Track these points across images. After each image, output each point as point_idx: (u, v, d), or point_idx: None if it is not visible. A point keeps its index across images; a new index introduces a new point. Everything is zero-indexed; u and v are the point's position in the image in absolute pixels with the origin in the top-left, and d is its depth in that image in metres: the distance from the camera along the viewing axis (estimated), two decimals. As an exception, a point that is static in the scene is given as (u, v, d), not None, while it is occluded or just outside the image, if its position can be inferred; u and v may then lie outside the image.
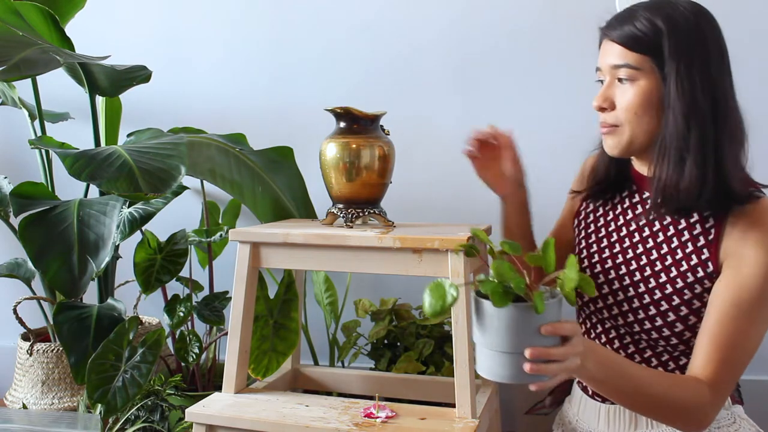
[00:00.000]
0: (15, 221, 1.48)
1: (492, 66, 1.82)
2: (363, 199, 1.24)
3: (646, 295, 1.03)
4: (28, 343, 1.70)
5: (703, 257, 0.98)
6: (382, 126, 1.27)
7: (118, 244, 1.59)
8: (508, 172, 1.18)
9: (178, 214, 1.85)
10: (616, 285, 1.07)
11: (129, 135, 1.51)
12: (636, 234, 1.07)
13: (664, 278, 1.01)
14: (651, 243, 1.04)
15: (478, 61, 1.82)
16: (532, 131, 1.80)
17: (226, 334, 1.28)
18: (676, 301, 1.00)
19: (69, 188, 1.68)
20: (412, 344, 1.56)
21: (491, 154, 1.19)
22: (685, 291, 0.99)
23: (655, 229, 1.04)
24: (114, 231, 1.32)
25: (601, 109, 1.02)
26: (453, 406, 1.11)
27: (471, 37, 1.82)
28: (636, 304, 1.04)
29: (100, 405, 1.31)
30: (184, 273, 1.68)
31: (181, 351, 1.51)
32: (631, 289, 1.05)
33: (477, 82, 1.83)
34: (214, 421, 1.13)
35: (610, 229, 1.12)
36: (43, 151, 1.75)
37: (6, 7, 1.39)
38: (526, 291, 0.79)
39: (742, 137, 0.98)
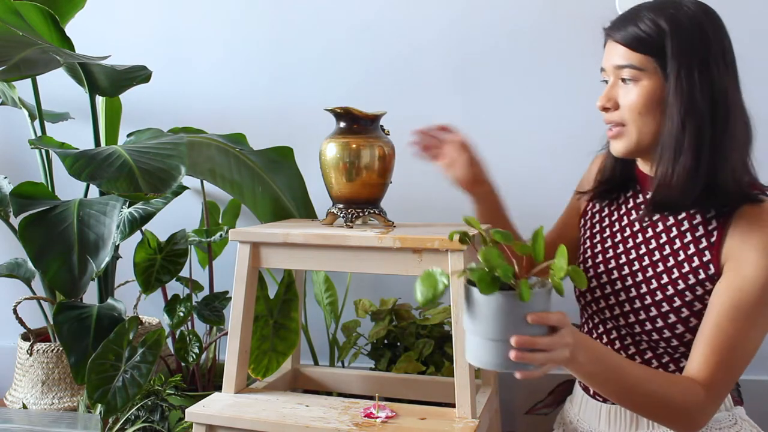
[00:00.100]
0: (15, 221, 1.48)
1: (492, 66, 1.82)
2: (363, 199, 1.24)
3: (647, 296, 1.03)
4: (28, 343, 1.70)
5: (705, 259, 0.98)
6: (382, 126, 1.27)
7: (118, 244, 1.59)
8: (466, 171, 1.23)
9: (178, 214, 1.85)
10: (619, 285, 1.07)
11: (129, 135, 1.51)
12: (639, 234, 1.07)
13: (665, 279, 1.01)
14: (654, 244, 1.04)
15: (478, 61, 1.82)
16: (532, 131, 1.81)
17: (226, 334, 1.28)
18: (678, 302, 1.00)
19: (69, 188, 1.68)
20: (412, 344, 1.56)
21: (454, 153, 1.24)
22: (687, 293, 0.99)
23: (658, 230, 1.05)
24: (114, 231, 1.32)
25: (605, 109, 1.02)
26: (453, 406, 1.11)
27: (471, 37, 1.82)
28: (638, 304, 1.04)
29: (100, 405, 1.31)
30: (184, 273, 1.68)
31: (181, 351, 1.51)
32: (633, 289, 1.05)
33: (477, 82, 1.83)
34: (214, 421, 1.13)
35: (614, 229, 1.12)
36: (43, 151, 1.75)
37: (6, 7, 1.39)
38: (512, 279, 0.79)
39: (745, 139, 0.97)
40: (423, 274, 0.83)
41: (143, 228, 1.57)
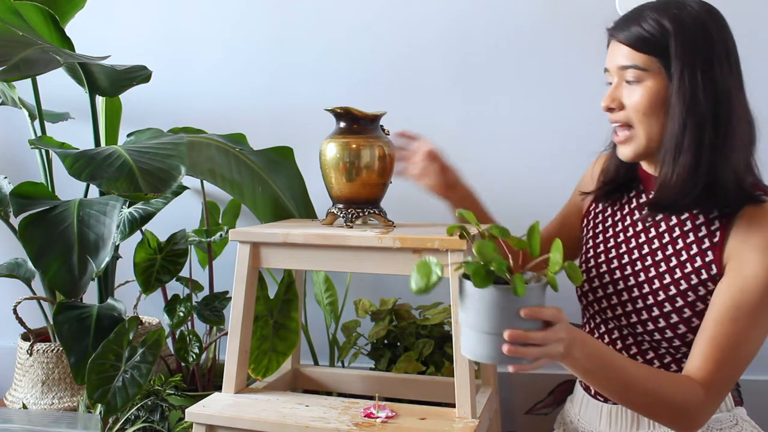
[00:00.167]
0: (15, 221, 1.48)
1: (492, 66, 1.82)
2: (363, 199, 1.24)
3: (650, 296, 1.03)
4: (28, 343, 1.70)
5: (707, 259, 0.98)
6: (382, 126, 1.27)
7: (118, 244, 1.59)
8: (438, 178, 1.26)
9: (178, 214, 1.85)
10: (621, 285, 1.07)
11: (129, 135, 1.51)
12: (642, 234, 1.07)
13: (668, 279, 1.01)
14: (656, 244, 1.04)
15: (478, 61, 1.82)
16: (532, 131, 1.81)
17: (226, 334, 1.28)
18: (680, 302, 1.00)
19: (69, 188, 1.68)
20: (412, 344, 1.56)
21: (424, 162, 1.27)
22: (689, 293, 0.99)
23: (660, 229, 1.04)
24: (114, 231, 1.32)
25: (609, 110, 1.01)
26: (453, 406, 1.11)
27: (471, 37, 1.82)
28: (640, 304, 1.04)
29: (100, 405, 1.31)
30: (184, 273, 1.68)
31: (181, 351, 1.51)
32: (635, 289, 1.05)
33: (477, 82, 1.83)
34: (214, 421, 1.13)
35: (617, 229, 1.12)
36: (43, 151, 1.75)
37: (6, 7, 1.39)
38: (507, 273, 0.80)
39: (749, 139, 0.97)
40: (418, 263, 0.84)
41: (143, 228, 1.57)
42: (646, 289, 1.04)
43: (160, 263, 1.55)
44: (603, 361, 0.91)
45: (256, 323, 1.30)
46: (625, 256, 1.08)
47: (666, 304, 1.01)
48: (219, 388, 1.24)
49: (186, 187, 1.71)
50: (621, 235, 1.10)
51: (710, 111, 0.93)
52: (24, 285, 1.79)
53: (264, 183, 1.56)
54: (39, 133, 1.75)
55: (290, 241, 1.18)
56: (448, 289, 1.10)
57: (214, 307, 1.57)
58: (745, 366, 0.96)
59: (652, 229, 1.06)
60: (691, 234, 1.01)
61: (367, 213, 1.24)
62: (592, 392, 1.14)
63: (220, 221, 1.87)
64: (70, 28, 1.60)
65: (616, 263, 1.09)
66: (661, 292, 1.02)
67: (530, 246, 0.83)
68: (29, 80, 1.73)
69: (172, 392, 1.46)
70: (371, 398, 1.18)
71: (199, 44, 1.97)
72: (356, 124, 1.23)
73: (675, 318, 1.01)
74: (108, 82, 1.54)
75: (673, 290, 1.01)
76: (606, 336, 1.12)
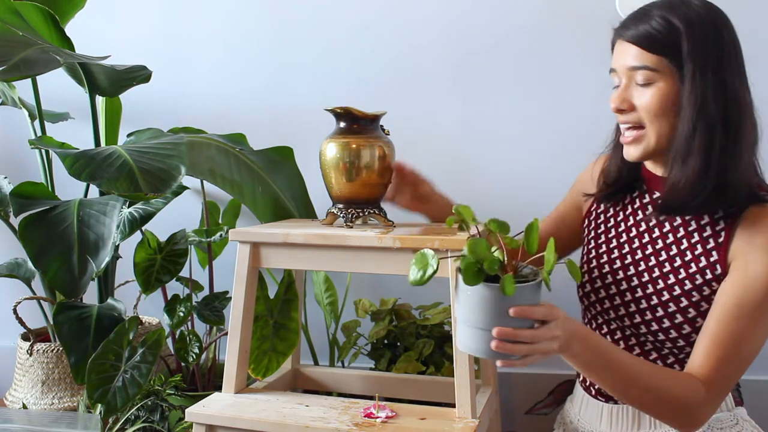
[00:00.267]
0: (15, 221, 1.48)
1: (492, 66, 1.82)
2: (363, 199, 1.24)
3: (654, 296, 1.03)
4: (28, 343, 1.70)
5: (712, 259, 0.98)
6: (382, 126, 1.26)
7: (118, 244, 1.59)
8: (411, 193, 1.30)
9: (178, 214, 1.85)
10: (624, 285, 1.07)
11: (129, 135, 1.51)
12: (646, 235, 1.07)
13: (672, 279, 1.01)
14: (660, 244, 1.04)
15: (478, 61, 1.82)
16: (532, 131, 1.81)
17: (226, 334, 1.28)
18: (684, 302, 1.00)
19: (69, 188, 1.68)
20: (412, 344, 1.56)
21: (395, 180, 1.28)
22: (693, 293, 0.99)
23: (665, 230, 1.04)
24: (114, 231, 1.32)
25: (620, 111, 1.00)
26: (453, 406, 1.11)
27: (471, 37, 1.82)
28: (644, 304, 1.04)
29: (100, 405, 1.31)
30: (184, 273, 1.67)
31: (181, 351, 1.51)
32: (639, 289, 1.05)
33: (477, 82, 1.83)
34: (214, 421, 1.13)
35: (620, 229, 1.11)
36: (43, 151, 1.75)
37: (6, 7, 1.39)
38: (499, 271, 0.80)
39: (753, 140, 0.97)
40: (417, 255, 0.85)
41: (143, 228, 1.57)
42: (650, 289, 1.03)
43: (160, 263, 1.55)
44: (604, 356, 0.91)
45: (256, 323, 1.30)
46: (629, 256, 1.08)
47: (670, 304, 1.01)
48: (219, 388, 1.24)
49: (186, 187, 1.71)
50: (624, 235, 1.10)
51: (720, 114, 0.93)
52: (24, 285, 1.79)
53: (264, 183, 1.56)
54: (39, 133, 1.75)
55: (290, 241, 1.18)
56: (448, 289, 1.10)
57: (214, 307, 1.57)
58: (747, 365, 0.96)
59: (656, 229, 1.05)
60: (695, 234, 1.00)
61: (367, 213, 1.24)
62: (593, 392, 1.14)
63: (220, 221, 1.87)
64: (70, 28, 1.60)
65: (619, 263, 1.09)
66: (665, 293, 1.02)
67: (528, 243, 0.83)
68: (29, 80, 1.73)
69: (172, 392, 1.46)
70: (371, 398, 1.18)
71: (199, 44, 1.97)
72: (356, 124, 1.23)
73: (679, 318, 1.00)
74: (108, 82, 1.54)
75: (677, 290, 1.00)
76: (608, 336, 1.12)
